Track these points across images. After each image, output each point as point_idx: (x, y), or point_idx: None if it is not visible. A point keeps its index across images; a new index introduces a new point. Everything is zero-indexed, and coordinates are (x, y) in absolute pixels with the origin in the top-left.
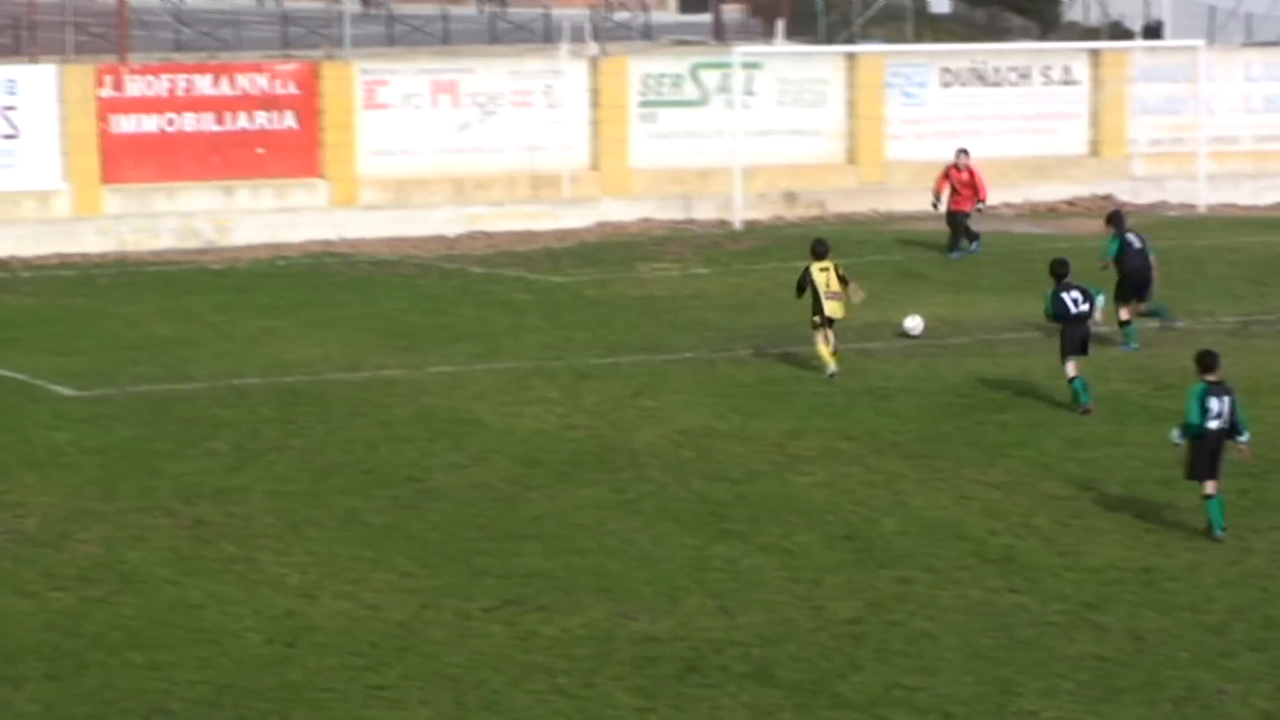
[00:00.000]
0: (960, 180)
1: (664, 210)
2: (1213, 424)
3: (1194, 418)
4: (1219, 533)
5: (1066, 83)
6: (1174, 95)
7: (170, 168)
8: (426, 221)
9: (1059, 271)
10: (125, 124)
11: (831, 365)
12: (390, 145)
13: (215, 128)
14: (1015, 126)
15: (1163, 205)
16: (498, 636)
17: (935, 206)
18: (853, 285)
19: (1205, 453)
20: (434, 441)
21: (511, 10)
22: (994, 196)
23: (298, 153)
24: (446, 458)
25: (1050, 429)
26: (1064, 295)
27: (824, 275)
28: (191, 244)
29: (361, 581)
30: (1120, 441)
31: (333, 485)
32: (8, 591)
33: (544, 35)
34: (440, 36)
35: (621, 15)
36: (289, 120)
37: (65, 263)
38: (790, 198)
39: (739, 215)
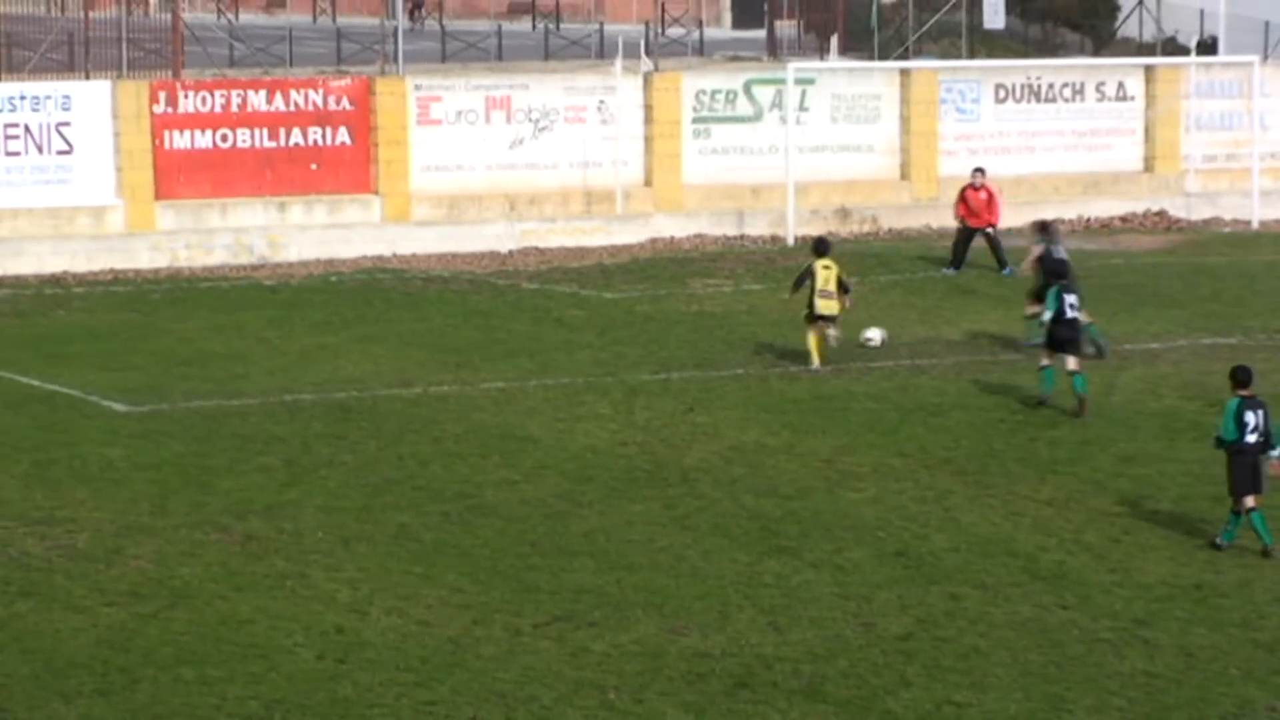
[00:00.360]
0: (979, 201)
1: (717, 226)
2: (1251, 438)
3: (1231, 433)
4: (1268, 543)
5: (1120, 99)
6: (1228, 111)
7: (224, 183)
8: (479, 237)
9: (1060, 272)
10: (179, 140)
11: (816, 362)
12: (443, 161)
13: (269, 144)
14: (1069, 142)
15: (1216, 221)
16: (548, 652)
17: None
18: (849, 296)
19: (1246, 467)
20: (485, 457)
21: (565, 26)
22: (1048, 212)
23: (351, 168)
24: (498, 474)
25: (1102, 445)
26: (1065, 297)
27: (825, 274)
28: (244, 260)
29: (412, 597)
30: (1172, 458)
31: (384, 501)
32: (59, 607)
33: (598, 51)
34: (494, 53)
35: (675, 31)
36: (342, 136)
37: (119, 278)
38: (843, 214)
39: (792, 231)
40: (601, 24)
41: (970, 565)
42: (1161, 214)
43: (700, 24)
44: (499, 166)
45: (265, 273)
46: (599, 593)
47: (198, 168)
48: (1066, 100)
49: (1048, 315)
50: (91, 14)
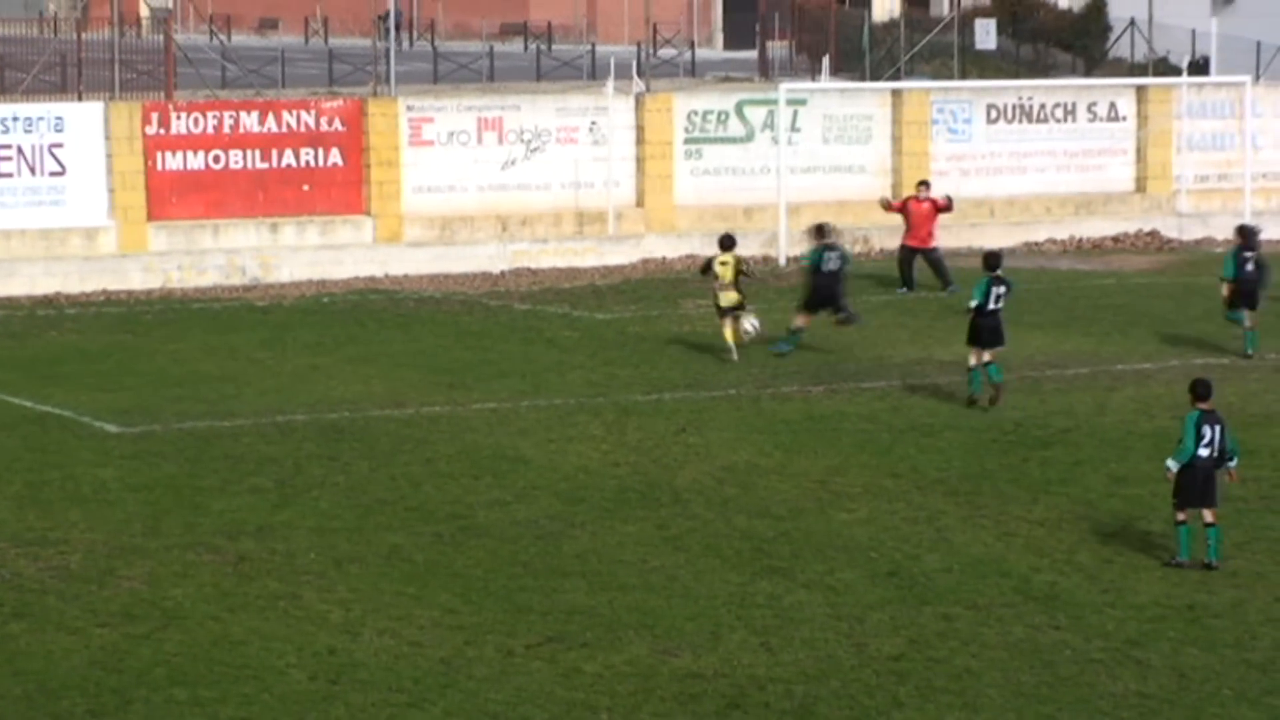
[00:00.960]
0: (920, 212)
1: (709, 247)
2: (1204, 451)
3: (1192, 445)
4: (1183, 559)
5: (1112, 119)
6: (1220, 131)
7: (216, 205)
8: (471, 258)
9: (991, 263)
10: (171, 161)
11: (734, 352)
12: (435, 182)
13: (261, 165)
14: (1061, 163)
15: (1208, 241)
16: (540, 673)
17: (886, 206)
18: (749, 277)
19: (1195, 481)
20: (478, 478)
21: (557, 47)
22: (1040, 233)
23: (343, 189)
24: (490, 494)
25: (1094, 466)
26: (992, 288)
27: (723, 269)
28: (237, 281)
29: (404, 618)
30: (1164, 478)
31: (376, 522)
32: (52, 628)
33: (589, 72)
34: (486, 73)
35: (667, 52)
36: (334, 157)
37: (111, 299)
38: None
39: (784, 252)
40: (593, 45)
41: (962, 586)
42: (1153, 234)
43: (692, 45)
44: (491, 187)
45: (257, 294)
46: (591, 613)
47: (190, 189)
48: (1058, 121)
49: (973, 304)
50: (84, 35)
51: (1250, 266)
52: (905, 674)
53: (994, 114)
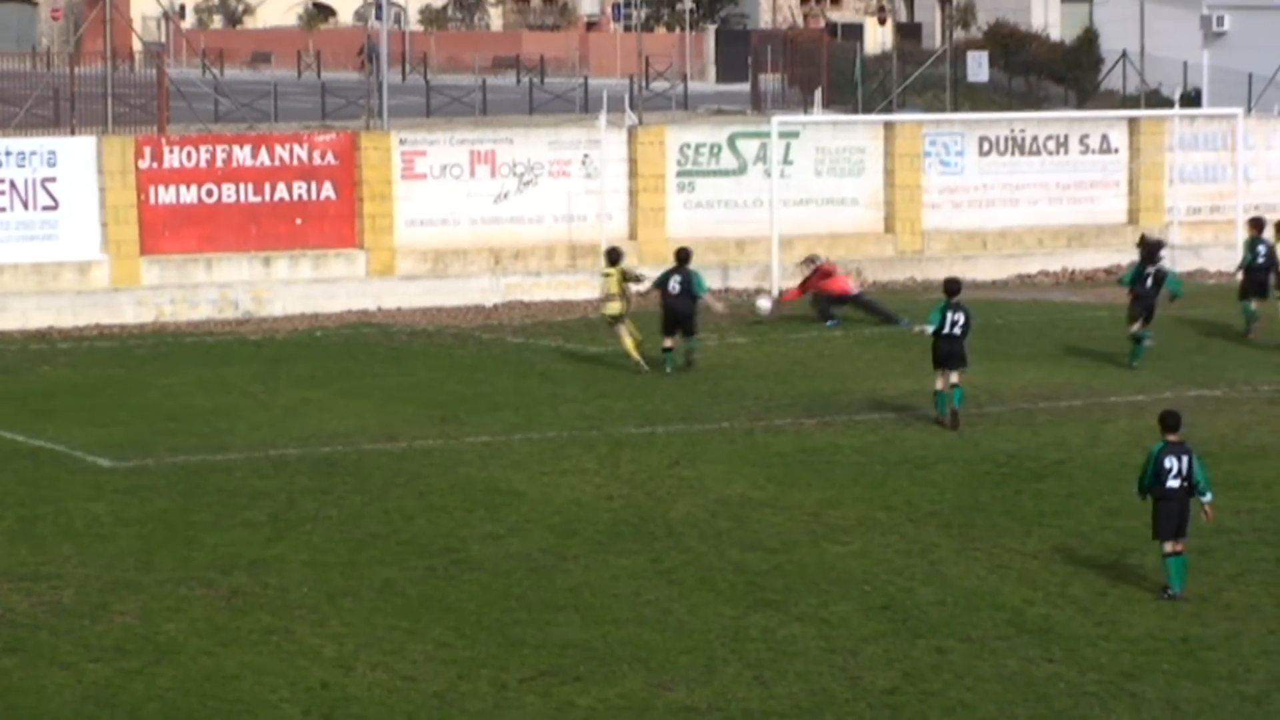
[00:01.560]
0: (824, 273)
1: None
2: (1173, 483)
3: (1146, 478)
4: (1176, 590)
5: (1104, 151)
6: (1212, 163)
7: (209, 238)
8: (464, 291)
9: (951, 289)
10: (164, 195)
11: (636, 356)
12: (428, 215)
13: (254, 198)
14: (1053, 195)
15: (1200, 273)
16: (534, 707)
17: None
18: (637, 285)
19: (1171, 512)
20: (471, 512)
21: (549, 80)
22: (1032, 265)
23: (336, 223)
24: (483, 528)
25: (1087, 498)
26: (948, 314)
27: (606, 280)
28: (229, 315)
29: (398, 652)
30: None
31: (369, 556)
32: (45, 663)
33: (582, 105)
34: (478, 107)
35: (659, 85)
36: (327, 191)
37: (104, 334)
38: None
39: (776, 284)
40: (585, 78)
41: (956, 619)
42: None
43: (684, 78)
44: (484, 220)
45: (250, 328)
46: (585, 647)
47: (183, 223)
48: (1050, 153)
49: (930, 330)
50: (77, 70)
51: (1150, 282)
52: (899, 707)
53: (986, 146)
